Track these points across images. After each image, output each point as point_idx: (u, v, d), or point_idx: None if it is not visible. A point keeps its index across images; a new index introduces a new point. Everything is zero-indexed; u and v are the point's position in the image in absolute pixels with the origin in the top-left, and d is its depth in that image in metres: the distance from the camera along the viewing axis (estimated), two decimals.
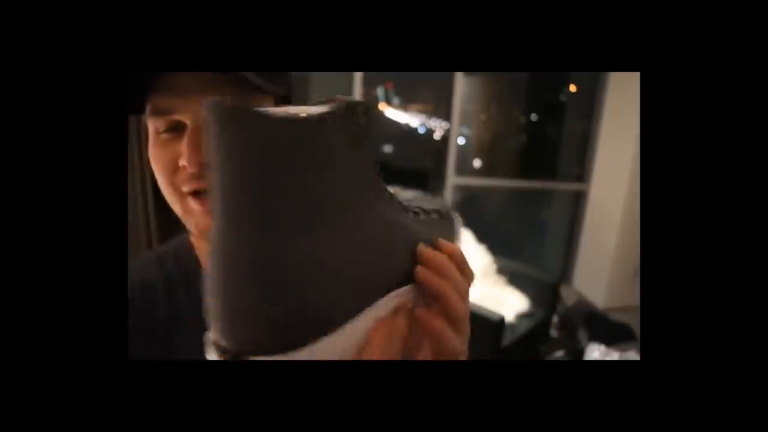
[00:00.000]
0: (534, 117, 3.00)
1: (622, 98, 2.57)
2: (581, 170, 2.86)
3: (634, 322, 1.93)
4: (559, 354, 1.78)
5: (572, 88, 2.91)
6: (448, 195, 2.52)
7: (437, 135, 2.68)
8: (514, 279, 2.01)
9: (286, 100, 0.47)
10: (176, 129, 0.41)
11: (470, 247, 1.99)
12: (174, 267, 0.49)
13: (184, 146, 0.39)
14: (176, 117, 0.40)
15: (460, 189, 2.59)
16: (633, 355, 1.61)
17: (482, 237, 2.07)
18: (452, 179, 2.53)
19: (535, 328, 1.79)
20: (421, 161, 2.81)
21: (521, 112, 2.99)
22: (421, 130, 2.80)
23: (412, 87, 2.79)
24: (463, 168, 2.63)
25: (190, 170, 0.40)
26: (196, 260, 0.48)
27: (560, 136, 2.97)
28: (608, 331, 1.88)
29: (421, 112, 2.83)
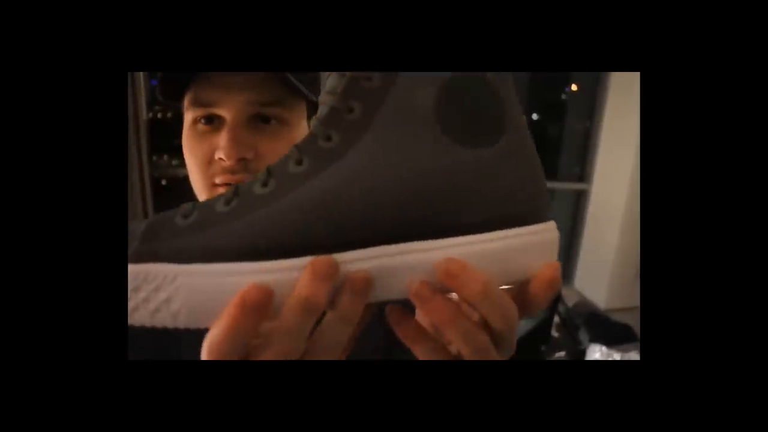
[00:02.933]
0: (535, 116, 2.99)
1: (624, 97, 2.56)
2: (582, 170, 2.85)
3: (635, 322, 1.92)
4: (560, 354, 1.78)
5: (573, 87, 2.90)
6: None
7: None
8: None
9: (315, 106, 0.48)
10: (213, 121, 0.42)
11: None
12: None
13: (222, 139, 0.40)
14: (216, 111, 0.41)
15: None
16: (634, 356, 1.60)
17: None
18: None
19: (536, 328, 1.79)
20: None
21: (522, 112, 2.98)
22: None
23: None
24: None
25: (226, 163, 0.41)
26: None
27: (561, 136, 2.96)
28: (609, 331, 1.88)
29: None
